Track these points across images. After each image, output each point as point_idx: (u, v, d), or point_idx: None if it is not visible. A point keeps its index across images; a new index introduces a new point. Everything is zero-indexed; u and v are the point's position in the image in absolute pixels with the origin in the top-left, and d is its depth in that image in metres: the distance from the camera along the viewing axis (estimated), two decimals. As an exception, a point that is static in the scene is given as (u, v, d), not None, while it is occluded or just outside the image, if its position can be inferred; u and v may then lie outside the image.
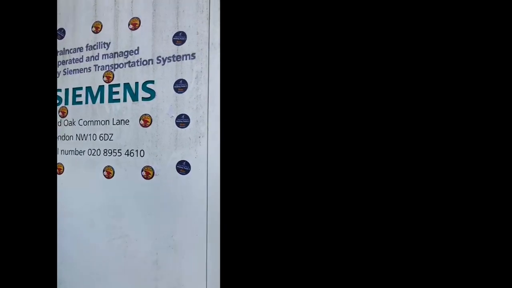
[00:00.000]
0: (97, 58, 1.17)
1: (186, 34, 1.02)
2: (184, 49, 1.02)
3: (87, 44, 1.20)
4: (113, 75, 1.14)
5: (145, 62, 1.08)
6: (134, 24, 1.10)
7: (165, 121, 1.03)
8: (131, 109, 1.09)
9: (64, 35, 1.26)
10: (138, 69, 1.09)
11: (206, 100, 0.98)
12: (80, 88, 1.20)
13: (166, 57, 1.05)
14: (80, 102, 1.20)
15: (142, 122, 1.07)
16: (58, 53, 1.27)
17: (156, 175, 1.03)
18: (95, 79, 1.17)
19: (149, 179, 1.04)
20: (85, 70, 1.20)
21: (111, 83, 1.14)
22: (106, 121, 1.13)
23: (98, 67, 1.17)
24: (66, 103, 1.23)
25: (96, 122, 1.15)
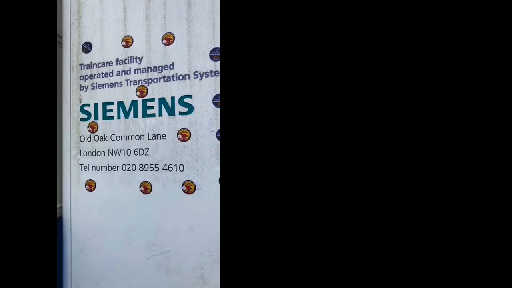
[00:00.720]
0: (128, 72, 1.17)
1: (224, 49, 1.03)
2: (222, 64, 1.03)
3: (117, 58, 1.19)
4: (147, 89, 1.14)
5: (181, 77, 1.09)
6: (168, 39, 1.11)
7: (205, 135, 1.04)
8: (167, 124, 1.09)
9: (91, 48, 1.25)
10: (174, 84, 1.09)
11: (246, 114, 0.99)
12: (111, 103, 1.19)
13: (203, 72, 1.06)
14: (112, 117, 1.19)
15: (180, 136, 1.07)
16: (85, 67, 1.26)
17: (197, 189, 1.03)
18: (128, 94, 1.17)
19: (190, 193, 1.04)
20: (116, 84, 1.19)
21: (145, 97, 1.14)
22: (141, 135, 1.13)
23: (130, 81, 1.17)
24: (96, 118, 1.22)
25: (130, 137, 1.15)
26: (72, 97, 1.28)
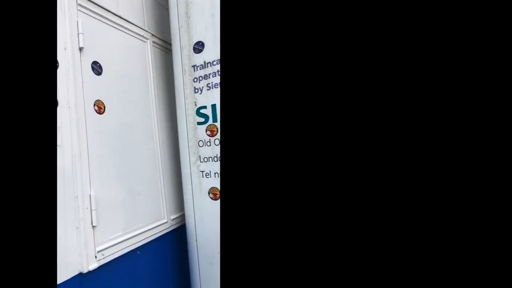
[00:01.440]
0: (249, 65, 1.04)
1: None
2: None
3: (234, 52, 1.08)
4: (274, 81, 0.98)
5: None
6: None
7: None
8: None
9: (203, 47, 1.18)
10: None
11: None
12: (231, 102, 1.09)
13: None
14: (233, 118, 1.08)
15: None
16: (198, 68, 1.19)
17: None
18: (250, 90, 1.04)
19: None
20: (235, 81, 1.08)
21: (272, 91, 0.98)
22: (270, 136, 0.98)
23: (252, 75, 1.03)
24: (215, 120, 1.14)
25: (257, 138, 1.01)
26: (186, 101, 1.23)
